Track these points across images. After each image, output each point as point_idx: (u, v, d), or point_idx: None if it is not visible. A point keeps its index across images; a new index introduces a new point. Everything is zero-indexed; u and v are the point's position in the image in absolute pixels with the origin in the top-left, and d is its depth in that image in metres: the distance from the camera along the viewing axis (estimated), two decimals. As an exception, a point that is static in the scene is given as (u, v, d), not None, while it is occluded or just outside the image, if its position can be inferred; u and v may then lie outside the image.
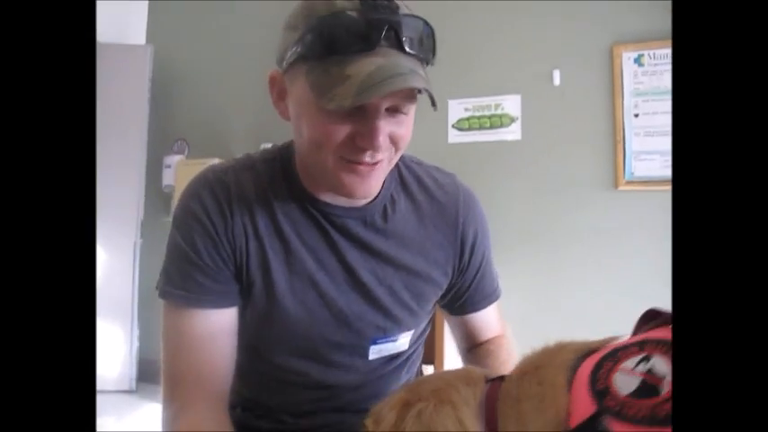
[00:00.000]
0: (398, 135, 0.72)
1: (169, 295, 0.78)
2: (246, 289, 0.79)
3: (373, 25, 0.65)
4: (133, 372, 3.24)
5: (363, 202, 0.81)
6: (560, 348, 0.59)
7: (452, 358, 1.03)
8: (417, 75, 0.66)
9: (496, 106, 2.85)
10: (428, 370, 1.13)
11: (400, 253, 0.83)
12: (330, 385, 0.85)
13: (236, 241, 0.77)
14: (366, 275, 0.82)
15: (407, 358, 0.92)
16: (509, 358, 0.91)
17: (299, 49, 0.68)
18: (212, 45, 3.61)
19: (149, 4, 3.86)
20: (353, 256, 0.81)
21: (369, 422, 0.61)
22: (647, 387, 0.48)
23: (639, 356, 0.50)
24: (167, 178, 3.44)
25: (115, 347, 3.22)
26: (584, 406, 0.49)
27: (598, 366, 0.52)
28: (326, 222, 0.80)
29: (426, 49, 0.70)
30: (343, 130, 0.68)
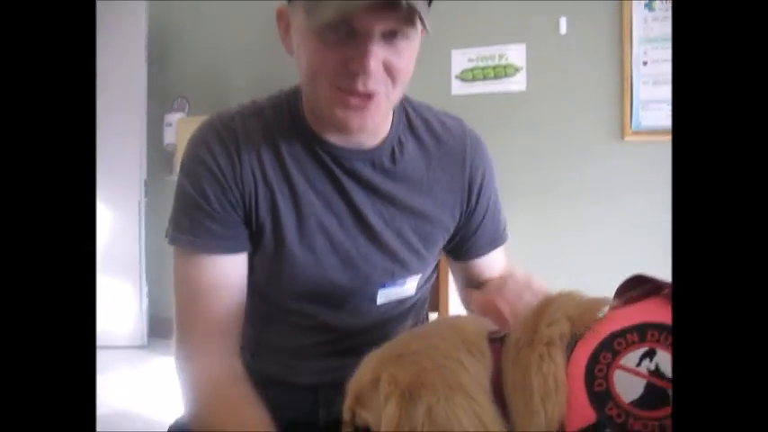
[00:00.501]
0: (396, 66, 0.69)
1: (178, 241, 0.78)
2: (256, 234, 0.80)
3: None
4: (144, 328, 3.32)
5: (371, 143, 0.81)
6: (548, 305, 0.53)
7: (457, 305, 1.04)
8: None
9: (501, 56, 2.79)
10: (433, 317, 1.13)
11: (408, 195, 0.83)
12: (337, 328, 0.87)
13: (245, 186, 0.78)
14: (374, 218, 0.82)
15: (414, 303, 0.93)
16: (511, 282, 0.84)
17: None
18: (209, -2, 3.52)
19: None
20: (361, 198, 0.81)
21: (352, 402, 0.55)
22: (655, 392, 0.42)
23: (641, 350, 0.44)
24: (169, 136, 3.42)
25: (126, 305, 3.29)
26: (581, 410, 0.44)
27: (594, 358, 0.46)
28: (334, 165, 0.80)
29: None
30: (336, 56, 0.67)
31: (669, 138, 2.44)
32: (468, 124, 0.91)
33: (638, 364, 0.44)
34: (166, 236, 0.81)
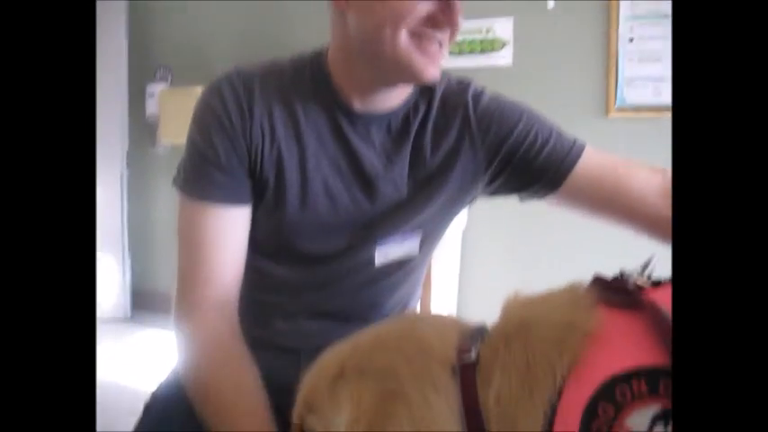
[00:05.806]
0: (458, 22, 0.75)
1: (185, 188, 0.81)
2: (258, 189, 0.82)
3: None
4: (128, 301, 3.31)
5: (390, 106, 0.83)
6: (526, 324, 0.46)
7: (442, 284, 1.03)
8: None
9: (487, 30, 2.77)
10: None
11: (419, 157, 0.85)
12: (329, 288, 0.88)
13: (252, 140, 0.79)
14: (383, 184, 0.83)
15: (411, 270, 0.93)
16: None
17: None
18: (191, -36, 3.43)
19: None
20: (372, 162, 0.83)
21: (302, 409, 0.51)
22: None
23: (653, 408, 0.34)
24: (151, 107, 3.36)
25: (109, 278, 3.27)
26: None
27: (591, 410, 0.35)
28: (350, 128, 0.82)
29: None
30: (425, 6, 0.72)
31: (653, 115, 2.46)
32: (475, 82, 0.91)
33: (651, 429, 0.33)
34: (174, 183, 0.83)
